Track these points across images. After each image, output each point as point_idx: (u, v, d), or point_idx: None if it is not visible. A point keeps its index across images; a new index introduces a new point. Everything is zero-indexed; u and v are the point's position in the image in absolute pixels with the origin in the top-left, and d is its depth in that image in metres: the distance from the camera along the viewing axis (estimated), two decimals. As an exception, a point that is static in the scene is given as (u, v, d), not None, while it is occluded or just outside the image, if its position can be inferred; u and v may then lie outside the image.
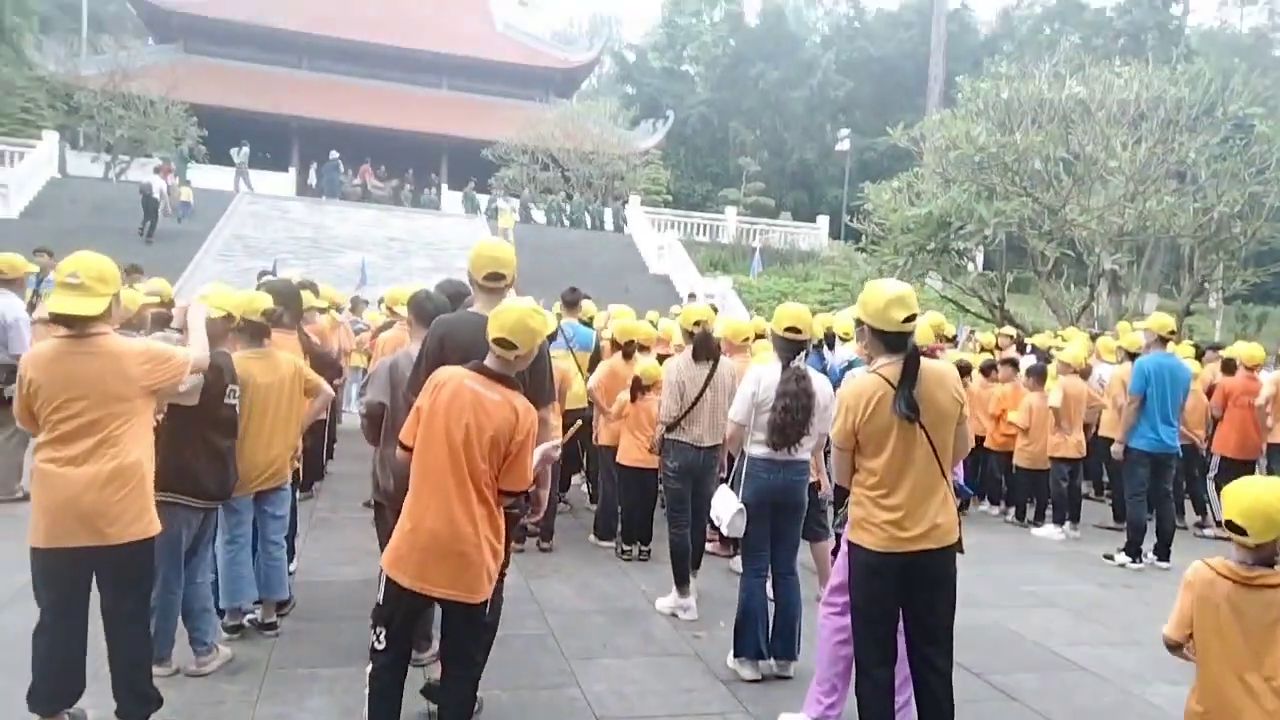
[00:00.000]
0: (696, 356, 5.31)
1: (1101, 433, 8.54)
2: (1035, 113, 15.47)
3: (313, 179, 31.44)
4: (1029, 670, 4.76)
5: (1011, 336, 11.18)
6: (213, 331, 3.86)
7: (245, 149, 29.84)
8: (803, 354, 4.44)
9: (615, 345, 6.85)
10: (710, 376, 5.27)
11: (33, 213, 22.25)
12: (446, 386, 3.07)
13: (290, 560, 5.12)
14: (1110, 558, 7.21)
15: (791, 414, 4.24)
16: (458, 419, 3.01)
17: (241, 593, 4.38)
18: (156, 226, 21.61)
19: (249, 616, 4.52)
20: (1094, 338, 10.48)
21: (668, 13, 53.25)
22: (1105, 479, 9.63)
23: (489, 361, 3.13)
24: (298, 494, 5.73)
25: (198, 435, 3.89)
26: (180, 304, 4.44)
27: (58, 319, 3.21)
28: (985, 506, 9.02)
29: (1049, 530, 8.06)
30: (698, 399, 5.23)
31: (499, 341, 3.08)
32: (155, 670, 3.52)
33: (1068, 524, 8.05)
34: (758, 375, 4.41)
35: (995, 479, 8.97)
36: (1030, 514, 8.48)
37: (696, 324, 5.59)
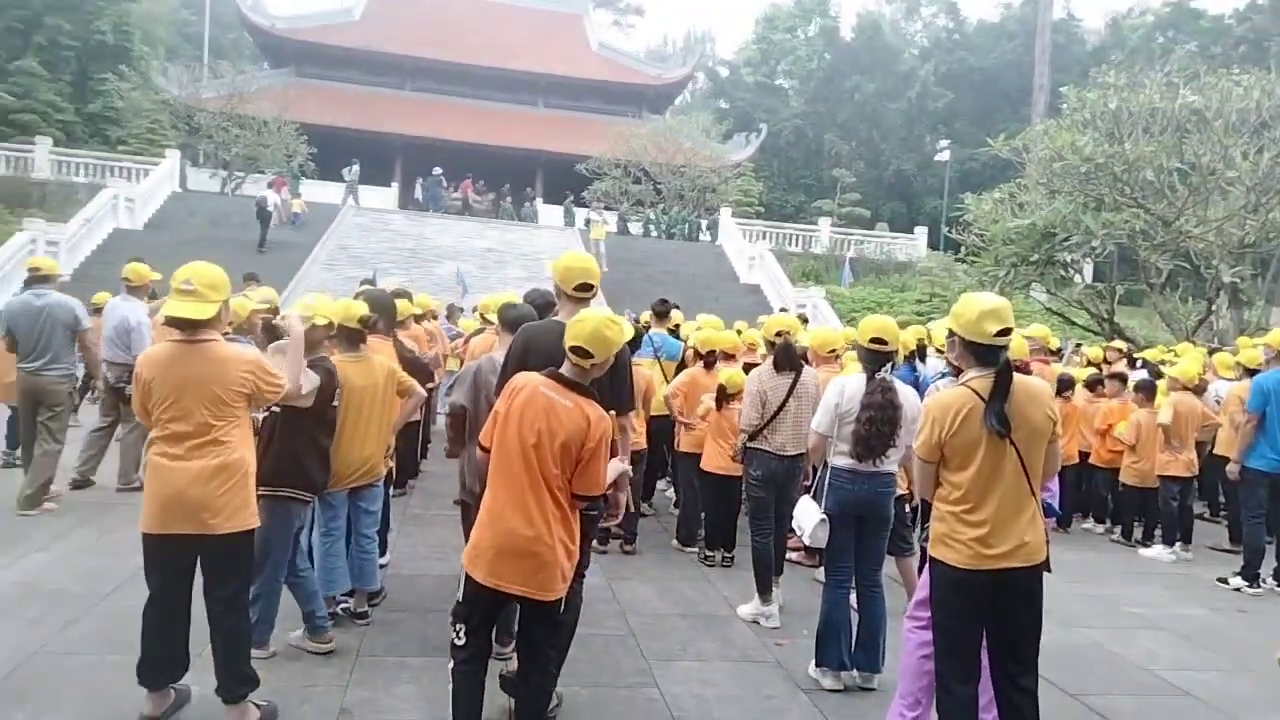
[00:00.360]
0: (778, 367, 5.28)
1: (1217, 451, 8.12)
2: (1147, 122, 14.81)
3: (418, 193, 32.49)
4: (1129, 694, 4.54)
5: (1121, 350, 10.73)
6: (312, 338, 4.08)
7: (356, 167, 31.14)
8: (889, 365, 4.37)
9: (697, 354, 6.89)
10: (793, 387, 5.22)
11: (155, 224, 23.68)
12: (522, 392, 3.14)
13: (383, 554, 5.31)
14: (1225, 581, 6.84)
15: (876, 425, 4.17)
16: (530, 424, 3.08)
17: (336, 583, 4.56)
18: (267, 237, 22.69)
19: (342, 605, 4.70)
20: (1212, 353, 9.96)
21: (762, 29, 53.27)
22: (1221, 499, 9.13)
23: (565, 369, 3.18)
24: (392, 491, 5.95)
25: (308, 434, 4.12)
26: (285, 312, 4.66)
27: (171, 322, 3.42)
28: (1089, 524, 8.66)
29: (1158, 551, 7.68)
30: (780, 409, 5.19)
31: (575, 350, 3.13)
32: (254, 653, 3.69)
33: (1178, 545, 7.66)
34: (841, 385, 4.35)
35: (1100, 496, 8.63)
36: (1138, 533, 8.10)
37: (778, 334, 5.54)
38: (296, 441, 4.06)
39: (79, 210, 21.48)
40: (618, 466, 3.43)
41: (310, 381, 3.91)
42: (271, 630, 4.15)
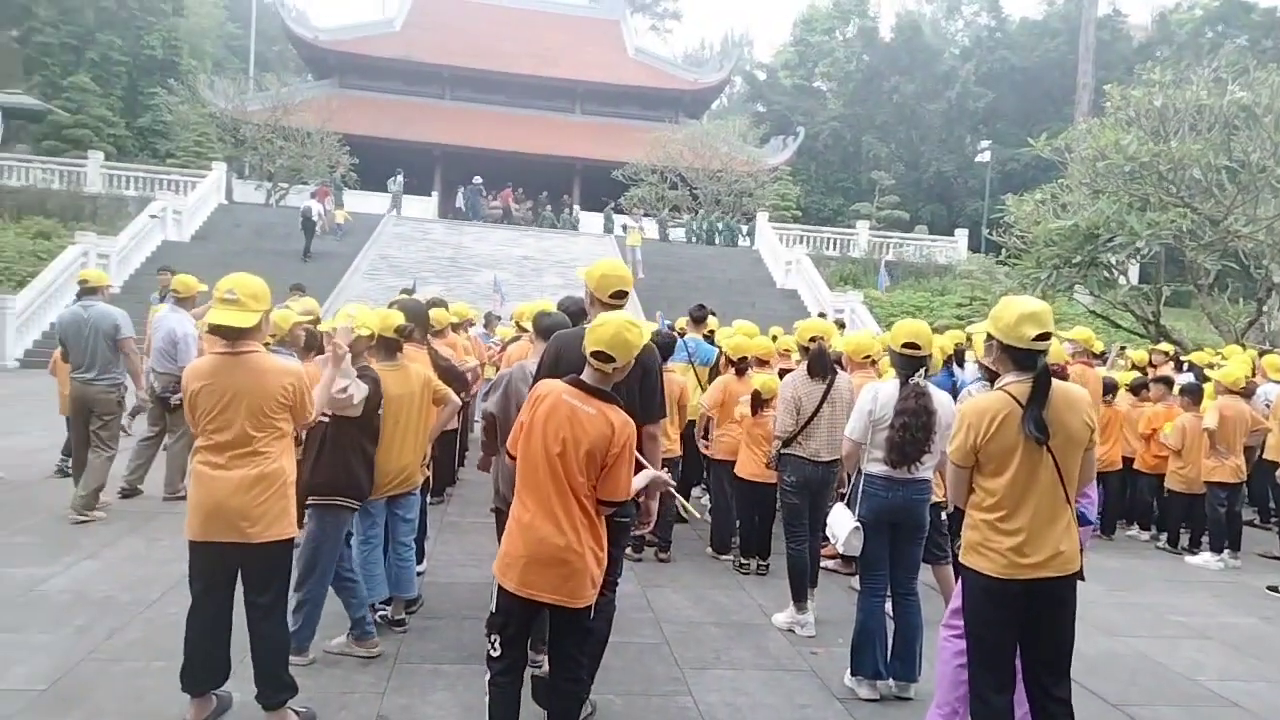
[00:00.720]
0: (811, 373, 5.25)
1: (1266, 456, 7.92)
2: (1194, 120, 14.49)
3: (459, 202, 32.83)
4: (1173, 704, 4.45)
5: (1167, 353, 10.51)
6: (355, 348, 4.17)
7: (400, 177, 31.62)
8: (922, 370, 4.33)
9: (730, 361, 6.87)
10: (827, 392, 5.20)
11: (202, 236, 24.21)
12: (545, 401, 3.15)
13: (420, 561, 5.37)
14: (1275, 590, 6.66)
15: (911, 432, 4.13)
16: (555, 433, 3.08)
17: (374, 590, 4.62)
18: (311, 246, 23.07)
19: (380, 613, 4.76)
20: (1261, 355, 9.71)
21: (799, 31, 53.03)
22: (1271, 505, 8.89)
23: (586, 375, 3.17)
24: (429, 499, 6.01)
25: (356, 443, 4.23)
26: (327, 325, 4.74)
27: (214, 330, 3.52)
28: (1134, 531, 8.48)
29: (1205, 558, 7.50)
30: (814, 415, 5.17)
31: (596, 354, 3.11)
32: (294, 660, 3.76)
33: (1226, 552, 7.47)
34: (875, 392, 4.33)
35: (1145, 502, 8.44)
36: (1184, 540, 7.92)
37: (812, 340, 5.52)
38: (347, 451, 4.17)
39: (129, 223, 22.03)
40: (648, 474, 3.44)
41: (360, 391, 3.99)
42: (313, 638, 4.22)
